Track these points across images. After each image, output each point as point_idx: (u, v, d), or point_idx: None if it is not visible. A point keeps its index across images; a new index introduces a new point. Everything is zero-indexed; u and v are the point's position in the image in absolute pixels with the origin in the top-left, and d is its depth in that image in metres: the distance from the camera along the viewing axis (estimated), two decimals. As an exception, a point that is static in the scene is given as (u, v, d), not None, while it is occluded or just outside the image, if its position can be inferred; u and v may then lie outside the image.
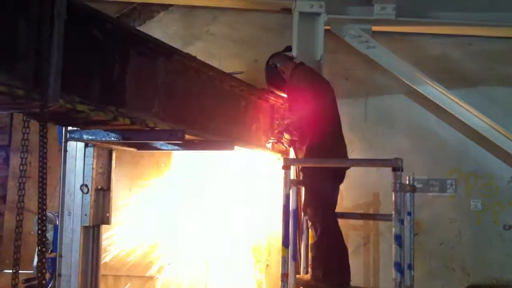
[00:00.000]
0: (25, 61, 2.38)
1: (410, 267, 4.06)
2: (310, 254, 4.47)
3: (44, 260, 2.43)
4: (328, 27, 5.34)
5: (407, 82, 5.47)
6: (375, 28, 5.46)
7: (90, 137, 3.41)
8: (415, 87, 5.46)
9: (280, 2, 5.36)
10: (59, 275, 3.45)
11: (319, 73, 4.87)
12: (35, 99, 2.42)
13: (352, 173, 4.59)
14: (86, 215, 3.51)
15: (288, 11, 5.34)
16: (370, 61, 5.47)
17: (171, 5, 5.63)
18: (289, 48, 4.79)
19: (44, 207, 2.34)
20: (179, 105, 3.56)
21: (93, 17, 2.83)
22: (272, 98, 4.89)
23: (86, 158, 3.54)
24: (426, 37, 5.71)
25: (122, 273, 5.20)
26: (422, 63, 5.55)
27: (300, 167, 4.52)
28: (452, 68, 5.68)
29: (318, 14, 5.15)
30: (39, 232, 2.41)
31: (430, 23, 5.48)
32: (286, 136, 4.58)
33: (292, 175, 4.61)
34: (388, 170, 3.82)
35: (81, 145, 3.54)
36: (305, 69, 4.63)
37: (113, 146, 3.73)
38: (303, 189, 4.51)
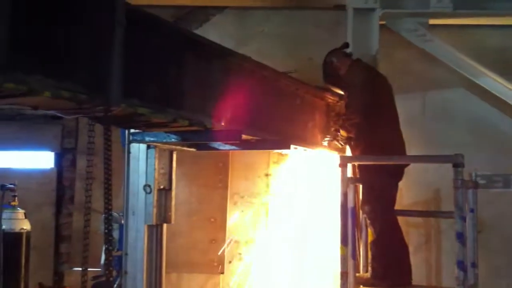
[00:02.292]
0: (88, 67, 2.49)
1: (474, 265, 3.96)
2: (369, 253, 4.43)
3: (111, 258, 2.53)
4: (383, 22, 5.27)
5: (466, 76, 5.32)
6: (432, 21, 5.35)
7: (151, 139, 3.53)
8: (475, 80, 5.31)
9: (333, -1, 5.35)
10: (125, 272, 3.58)
11: (376, 69, 4.82)
12: (99, 104, 2.52)
13: (411, 169, 4.52)
14: (149, 214, 3.61)
15: (341, 7, 5.31)
16: (428, 55, 5.36)
17: (226, 7, 5.72)
18: (346, 45, 4.77)
19: (110, 207, 2.44)
20: (235, 105, 3.62)
21: (151, 22, 2.92)
22: (327, 95, 4.88)
23: (148, 159, 3.64)
24: (485, 29, 5.54)
25: (184, 270, 5.33)
26: (481, 56, 5.39)
27: (357, 164, 4.49)
28: (513, 60, 5.49)
29: (372, 9, 5.10)
30: (106, 231, 2.51)
31: (489, 14, 5.31)
32: (342, 133, 4.57)
33: (350, 173, 4.58)
34: (449, 166, 3.74)
35: (143, 146, 3.65)
36: (361, 65, 4.61)
37: (174, 147, 3.83)
38: (361, 186, 4.48)
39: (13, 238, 4.71)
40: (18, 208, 4.79)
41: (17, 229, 4.74)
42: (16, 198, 4.78)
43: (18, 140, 5.87)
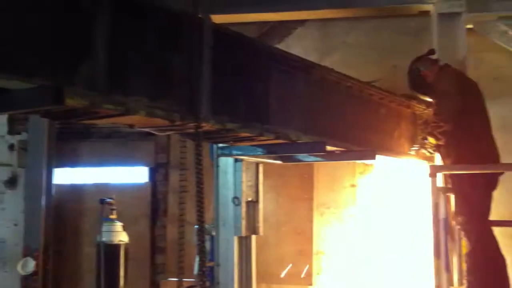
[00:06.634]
0: (180, 87, 2.63)
1: None
2: (464, 265, 4.28)
3: (204, 268, 2.63)
4: (470, 26, 5.11)
5: None
6: (523, 23, 5.11)
7: (239, 153, 3.64)
8: None
9: (417, 5, 5.24)
10: (217, 283, 3.69)
11: (466, 75, 4.68)
12: (190, 121, 2.66)
13: (507, 178, 4.32)
14: (238, 226, 3.72)
15: (426, 13, 5.21)
16: (520, 58, 5.12)
17: (307, 20, 5.77)
18: (432, 51, 4.68)
19: (203, 219, 2.54)
20: (320, 117, 3.65)
21: (236, 40, 3.03)
22: (413, 103, 4.79)
23: (236, 172, 3.76)
24: None
25: (273, 281, 5.39)
26: None
27: (449, 173, 4.37)
28: None
29: (458, 14, 4.96)
30: (199, 242, 2.62)
31: None
32: (431, 140, 4.46)
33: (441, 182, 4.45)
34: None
35: (231, 160, 3.77)
36: (450, 71, 4.51)
37: (260, 160, 3.92)
38: (453, 196, 4.34)
39: (112, 250, 4.98)
40: (117, 221, 5.06)
41: (115, 241, 5.01)
42: (115, 211, 5.06)
43: (115, 156, 6.23)
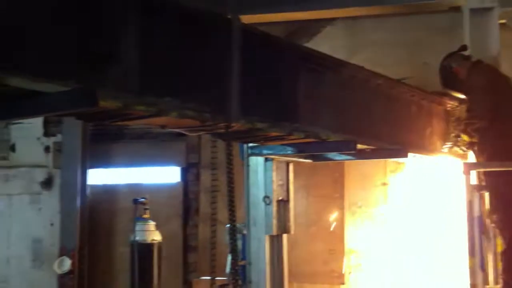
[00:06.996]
0: (210, 88, 2.66)
1: None
2: (499, 264, 4.21)
3: (237, 267, 2.66)
4: (503, 21, 5.01)
5: None
6: (558, 16, 4.98)
7: (269, 152, 3.66)
8: None
9: (448, 1, 5.17)
10: (249, 281, 3.72)
11: (499, 71, 4.60)
12: (220, 121, 2.69)
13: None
14: (269, 225, 3.74)
15: (456, 9, 5.13)
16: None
17: (336, 18, 5.74)
18: (464, 47, 4.60)
19: (234, 219, 2.57)
20: (349, 115, 3.64)
21: (265, 40, 3.05)
22: (445, 100, 4.72)
23: (266, 172, 3.78)
24: None
25: (305, 280, 5.39)
26: None
27: (483, 171, 4.30)
28: None
29: (490, 9, 4.87)
30: (231, 241, 2.65)
31: None
32: (464, 138, 4.40)
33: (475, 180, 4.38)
34: None
35: (261, 159, 3.79)
36: (483, 67, 4.44)
37: (290, 159, 3.93)
38: (487, 194, 4.27)
39: (146, 249, 5.06)
40: (150, 221, 5.13)
41: (149, 240, 5.09)
42: (148, 211, 5.14)
43: (147, 156, 6.31)
